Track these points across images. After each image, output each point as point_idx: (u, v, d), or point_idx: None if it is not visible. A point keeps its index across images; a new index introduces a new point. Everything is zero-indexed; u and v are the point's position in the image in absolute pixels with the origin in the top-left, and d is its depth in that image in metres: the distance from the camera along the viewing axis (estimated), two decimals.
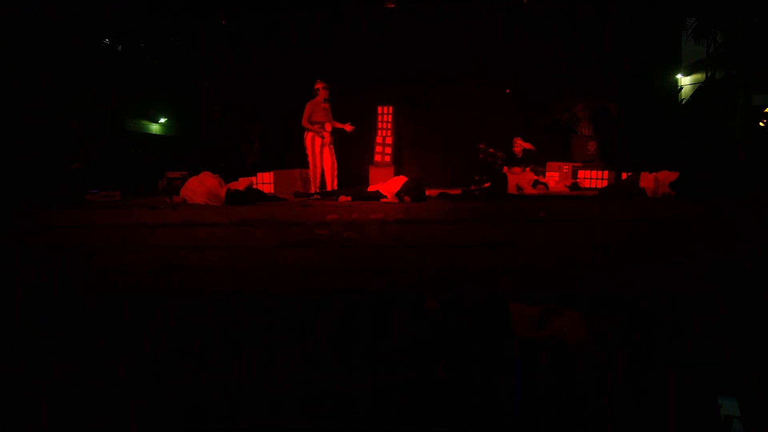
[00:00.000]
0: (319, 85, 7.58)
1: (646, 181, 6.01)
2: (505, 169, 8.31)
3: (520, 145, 8.61)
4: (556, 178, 8.67)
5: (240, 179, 7.32)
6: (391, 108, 9.58)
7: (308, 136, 7.64)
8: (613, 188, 6.78)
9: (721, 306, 3.94)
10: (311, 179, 7.83)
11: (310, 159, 7.75)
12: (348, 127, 7.74)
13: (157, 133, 14.09)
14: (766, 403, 2.52)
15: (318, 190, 7.64)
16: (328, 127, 7.61)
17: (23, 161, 7.33)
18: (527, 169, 8.96)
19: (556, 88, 9.39)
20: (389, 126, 9.53)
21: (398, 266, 4.69)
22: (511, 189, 7.11)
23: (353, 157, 9.48)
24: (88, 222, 5.24)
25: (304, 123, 7.58)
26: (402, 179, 6.09)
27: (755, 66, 9.18)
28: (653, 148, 8.43)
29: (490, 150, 8.44)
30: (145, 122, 13.71)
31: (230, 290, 4.64)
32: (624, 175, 7.17)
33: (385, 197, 5.84)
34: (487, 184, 7.03)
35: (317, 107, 7.59)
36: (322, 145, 7.64)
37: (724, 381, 2.71)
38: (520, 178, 7.68)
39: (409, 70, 9.99)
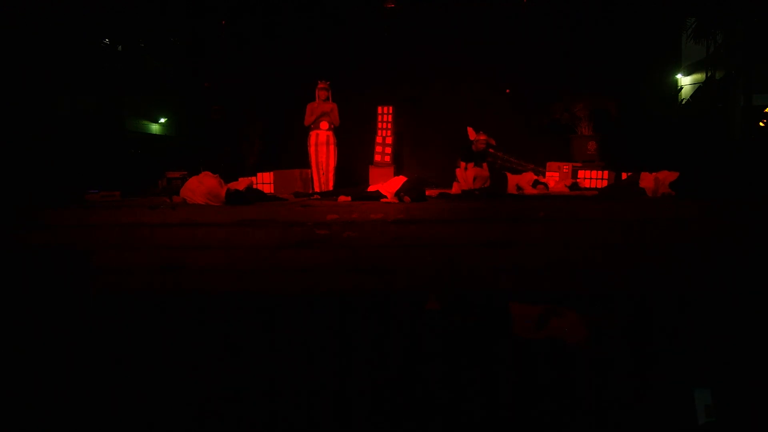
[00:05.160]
0: (317, 85, 7.72)
1: (646, 181, 6.01)
2: (462, 165, 7.09)
3: (484, 140, 7.18)
4: (556, 178, 8.67)
5: (240, 179, 7.33)
6: (391, 108, 9.58)
7: (308, 136, 7.81)
8: (613, 188, 6.79)
9: (721, 306, 3.94)
10: (311, 178, 7.96)
11: (308, 157, 7.91)
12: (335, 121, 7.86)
13: (157, 133, 14.09)
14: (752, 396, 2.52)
15: (315, 189, 7.71)
16: (323, 126, 7.70)
17: (23, 161, 7.33)
18: (530, 168, 8.96)
19: (556, 88, 9.39)
20: (389, 126, 9.53)
21: (398, 266, 4.69)
22: (511, 189, 7.11)
23: (353, 157, 9.49)
24: (88, 222, 5.24)
25: (306, 122, 7.79)
26: (402, 179, 6.09)
27: (755, 66, 9.18)
28: (653, 148, 8.43)
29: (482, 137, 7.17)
30: (145, 122, 13.71)
31: (230, 290, 4.64)
32: (624, 175, 7.18)
33: (385, 197, 5.84)
34: (487, 183, 7.02)
35: (314, 107, 7.73)
36: (317, 144, 7.74)
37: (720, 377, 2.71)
38: (520, 178, 7.68)
39: (409, 70, 9.99)
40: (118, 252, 4.95)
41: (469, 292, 4.43)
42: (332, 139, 7.83)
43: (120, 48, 10.67)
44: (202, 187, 5.76)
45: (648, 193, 5.89)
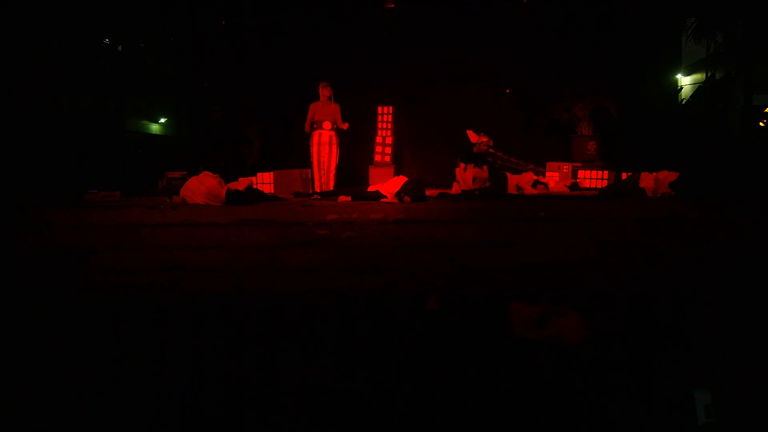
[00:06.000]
0: (320, 86, 7.78)
1: (646, 181, 6.01)
2: (462, 166, 6.99)
3: (486, 143, 7.09)
4: (556, 178, 8.67)
5: (240, 179, 7.34)
6: (391, 108, 9.59)
7: (311, 135, 7.88)
8: (613, 188, 6.78)
9: (721, 306, 3.94)
10: (313, 177, 8.00)
11: (311, 157, 7.96)
12: (344, 126, 7.91)
13: (157, 133, 14.09)
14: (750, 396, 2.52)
15: (316, 189, 7.75)
16: (326, 126, 7.75)
17: (23, 160, 7.33)
18: (530, 168, 8.96)
19: (556, 88, 9.39)
20: (389, 126, 9.53)
21: (398, 266, 4.69)
22: (511, 189, 7.11)
23: (353, 157, 9.50)
24: (88, 222, 5.24)
25: (305, 125, 7.84)
26: (402, 179, 6.09)
27: (755, 66, 9.18)
28: (653, 148, 8.43)
29: (484, 139, 7.11)
30: (145, 122, 13.71)
31: (230, 290, 4.64)
32: (624, 175, 7.17)
33: (385, 197, 5.84)
34: (487, 184, 7.02)
35: (318, 107, 7.76)
36: (320, 144, 7.80)
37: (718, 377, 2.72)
38: (520, 178, 7.67)
39: (409, 70, 10.00)
40: (118, 252, 4.96)
41: (469, 292, 4.43)
42: (335, 139, 7.90)
43: (120, 48, 10.67)
44: (202, 187, 5.76)
45: (648, 193, 5.89)
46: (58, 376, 2.99)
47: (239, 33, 10.18)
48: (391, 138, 9.49)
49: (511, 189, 7.11)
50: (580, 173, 8.57)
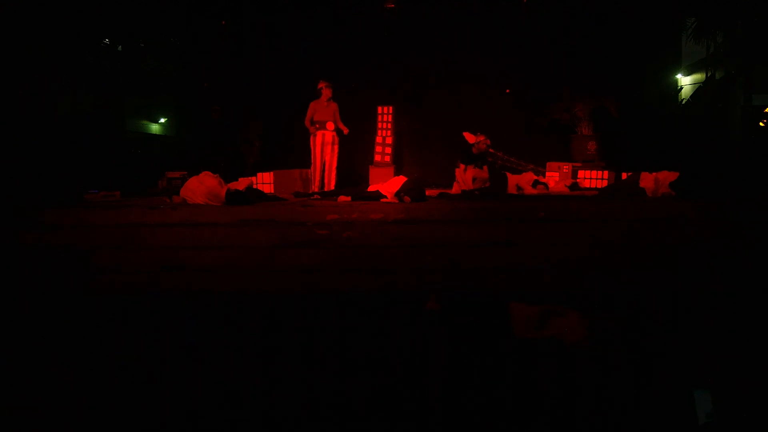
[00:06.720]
0: (321, 85, 7.76)
1: (646, 181, 6.01)
2: (462, 167, 7.00)
3: (485, 142, 7.00)
4: (556, 178, 8.67)
5: (240, 179, 7.34)
6: (391, 108, 9.59)
7: (313, 136, 7.86)
8: (613, 188, 6.78)
9: (721, 305, 3.94)
10: (313, 178, 7.99)
11: (311, 157, 7.93)
12: (344, 130, 7.92)
13: (157, 133, 14.09)
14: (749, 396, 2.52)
15: (316, 189, 7.74)
16: (330, 126, 7.76)
17: (23, 160, 7.33)
18: (530, 168, 8.96)
19: (556, 88, 9.39)
20: (389, 126, 9.53)
21: (398, 266, 4.69)
22: (511, 189, 7.11)
23: (353, 157, 9.50)
24: (88, 222, 5.24)
25: (306, 123, 7.77)
26: (402, 179, 6.09)
27: (755, 66, 9.19)
28: (653, 148, 8.43)
29: (481, 138, 7.01)
30: (145, 122, 13.71)
31: (230, 290, 4.64)
32: (624, 175, 7.17)
33: (385, 197, 5.84)
34: (487, 184, 7.02)
35: (320, 107, 7.75)
36: (323, 144, 7.80)
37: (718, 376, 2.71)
38: (520, 178, 7.67)
39: (409, 70, 10.00)
40: (118, 252, 4.96)
41: (469, 292, 4.43)
42: (336, 139, 7.93)
43: (120, 48, 10.67)
44: (202, 187, 5.76)
45: (648, 193, 5.89)
46: (58, 376, 2.99)
47: (239, 33, 10.17)
48: (391, 138, 9.49)
49: (511, 189, 7.11)
50: (580, 173, 8.57)
